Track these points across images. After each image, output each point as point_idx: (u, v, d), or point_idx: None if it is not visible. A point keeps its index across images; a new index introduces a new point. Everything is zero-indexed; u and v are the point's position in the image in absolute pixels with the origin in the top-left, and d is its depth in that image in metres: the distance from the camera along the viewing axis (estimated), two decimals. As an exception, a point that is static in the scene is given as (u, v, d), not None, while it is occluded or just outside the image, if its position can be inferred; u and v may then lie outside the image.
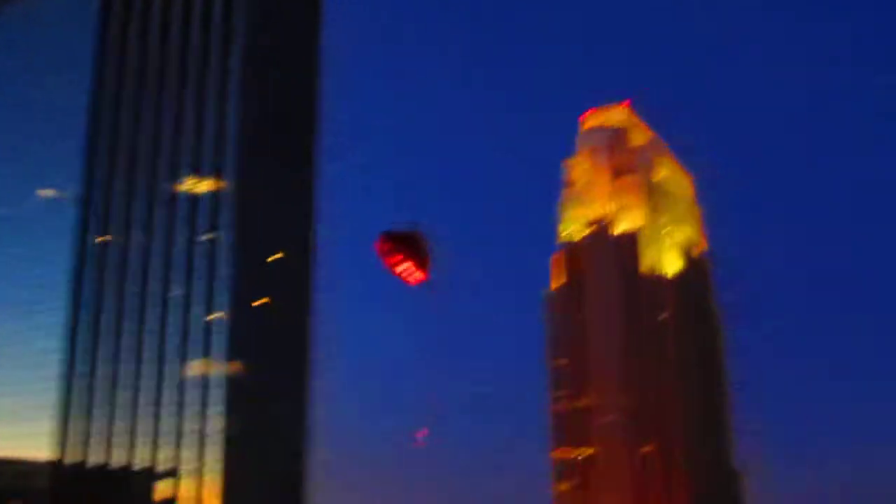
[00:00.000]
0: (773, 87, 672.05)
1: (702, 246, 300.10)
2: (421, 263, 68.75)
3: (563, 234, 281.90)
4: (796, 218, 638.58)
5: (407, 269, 68.83)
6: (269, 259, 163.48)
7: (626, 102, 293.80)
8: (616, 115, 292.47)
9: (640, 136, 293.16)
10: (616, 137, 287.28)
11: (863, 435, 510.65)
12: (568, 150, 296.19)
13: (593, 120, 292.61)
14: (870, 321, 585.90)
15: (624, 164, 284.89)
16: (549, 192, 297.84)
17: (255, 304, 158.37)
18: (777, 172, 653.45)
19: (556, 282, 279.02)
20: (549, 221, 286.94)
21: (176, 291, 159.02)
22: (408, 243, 69.13)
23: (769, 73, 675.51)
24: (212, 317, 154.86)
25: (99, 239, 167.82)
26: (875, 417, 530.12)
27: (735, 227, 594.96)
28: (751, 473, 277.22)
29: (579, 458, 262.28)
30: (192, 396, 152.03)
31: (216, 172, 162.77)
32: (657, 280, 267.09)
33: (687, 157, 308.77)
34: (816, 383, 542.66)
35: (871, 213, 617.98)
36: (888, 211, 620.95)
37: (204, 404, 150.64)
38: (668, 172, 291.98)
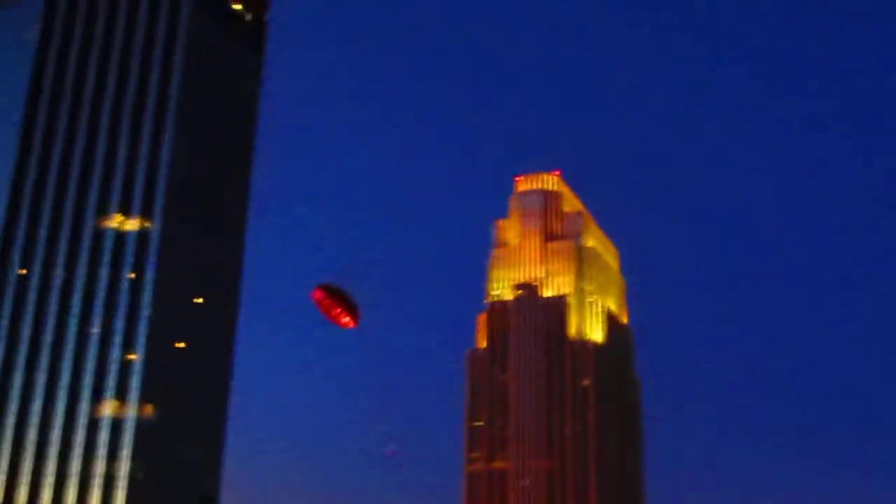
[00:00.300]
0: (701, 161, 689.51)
1: (624, 316, 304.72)
2: (351, 312, 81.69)
3: (492, 294, 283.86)
4: (713, 291, 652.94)
5: (339, 315, 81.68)
6: (193, 301, 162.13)
7: (557, 171, 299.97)
8: (548, 181, 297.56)
9: (571, 203, 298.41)
10: (548, 202, 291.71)
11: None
12: (498, 211, 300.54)
13: (526, 184, 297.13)
14: (789, 391, 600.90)
15: (555, 229, 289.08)
16: (478, 252, 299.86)
17: (176, 346, 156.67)
18: (700, 250, 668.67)
19: (481, 341, 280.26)
20: (478, 281, 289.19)
21: (94, 329, 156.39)
22: (340, 295, 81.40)
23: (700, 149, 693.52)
24: (129, 357, 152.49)
25: (20, 271, 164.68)
26: (796, 483, 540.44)
27: (655, 300, 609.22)
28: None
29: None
30: (102, 438, 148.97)
31: (145, 211, 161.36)
32: (581, 346, 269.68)
33: (612, 229, 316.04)
34: (733, 459, 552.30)
35: (788, 287, 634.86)
36: (809, 285, 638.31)
37: (113, 446, 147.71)
38: (595, 241, 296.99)
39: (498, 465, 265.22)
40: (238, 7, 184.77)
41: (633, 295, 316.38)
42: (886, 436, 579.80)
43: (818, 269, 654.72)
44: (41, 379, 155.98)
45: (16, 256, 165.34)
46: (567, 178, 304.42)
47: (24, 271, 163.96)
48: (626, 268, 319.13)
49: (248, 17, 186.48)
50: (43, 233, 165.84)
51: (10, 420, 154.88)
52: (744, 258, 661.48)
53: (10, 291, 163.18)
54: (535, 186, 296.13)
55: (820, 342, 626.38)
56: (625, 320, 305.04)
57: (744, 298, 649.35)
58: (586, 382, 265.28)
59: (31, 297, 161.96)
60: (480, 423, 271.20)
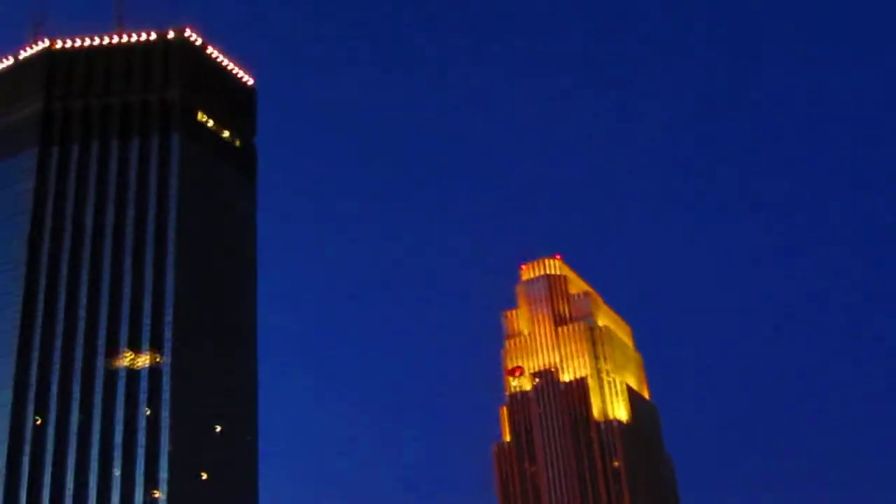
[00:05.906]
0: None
1: (645, 391, 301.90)
2: None
3: (511, 385, 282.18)
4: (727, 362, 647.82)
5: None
6: (213, 432, 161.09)
7: (558, 256, 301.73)
8: (552, 266, 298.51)
9: (577, 286, 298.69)
10: (554, 287, 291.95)
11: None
12: (509, 302, 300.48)
13: (531, 271, 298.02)
14: (819, 444, 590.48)
15: (564, 312, 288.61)
16: (490, 344, 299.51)
17: (200, 479, 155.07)
18: (708, 317, 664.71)
19: (506, 434, 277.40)
20: (497, 373, 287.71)
21: (116, 471, 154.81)
22: None
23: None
24: (154, 495, 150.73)
25: (35, 420, 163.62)
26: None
27: (674, 373, 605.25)
28: None
29: None
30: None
31: (154, 345, 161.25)
32: (607, 426, 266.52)
33: (621, 307, 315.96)
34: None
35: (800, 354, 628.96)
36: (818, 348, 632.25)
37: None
38: (607, 320, 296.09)
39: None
40: (227, 135, 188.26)
41: (651, 370, 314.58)
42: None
43: (831, 324, 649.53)
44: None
45: (30, 406, 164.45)
46: (569, 261, 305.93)
47: (39, 420, 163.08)
48: (640, 344, 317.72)
49: (238, 143, 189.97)
50: (55, 379, 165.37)
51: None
52: (751, 323, 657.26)
53: (27, 442, 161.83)
54: (539, 273, 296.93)
55: (839, 395, 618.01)
56: (647, 396, 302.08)
57: (756, 360, 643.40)
58: (617, 463, 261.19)
59: (49, 446, 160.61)
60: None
